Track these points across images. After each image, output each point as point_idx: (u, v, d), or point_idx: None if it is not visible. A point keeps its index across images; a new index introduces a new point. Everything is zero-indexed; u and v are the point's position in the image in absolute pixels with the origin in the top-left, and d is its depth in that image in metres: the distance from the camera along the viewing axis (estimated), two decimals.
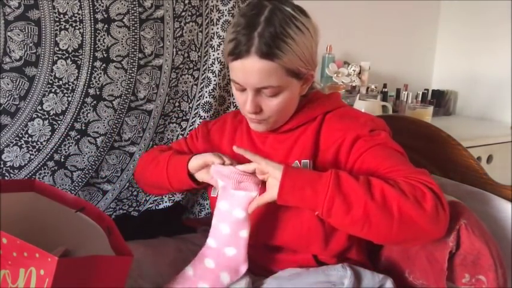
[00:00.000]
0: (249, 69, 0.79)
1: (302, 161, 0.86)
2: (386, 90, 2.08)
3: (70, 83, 1.08)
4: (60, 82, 1.07)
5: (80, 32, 1.06)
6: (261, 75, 0.79)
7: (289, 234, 0.86)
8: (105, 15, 1.07)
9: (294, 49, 0.79)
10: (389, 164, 0.77)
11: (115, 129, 1.16)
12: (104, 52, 1.09)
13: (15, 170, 1.07)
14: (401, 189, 0.70)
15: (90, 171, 1.15)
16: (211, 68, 1.23)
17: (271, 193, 0.76)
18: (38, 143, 1.08)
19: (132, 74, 1.14)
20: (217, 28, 1.21)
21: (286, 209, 0.85)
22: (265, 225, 0.88)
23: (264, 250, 0.91)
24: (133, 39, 1.11)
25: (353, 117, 0.89)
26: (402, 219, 0.68)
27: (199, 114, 1.23)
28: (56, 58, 1.05)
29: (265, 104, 0.84)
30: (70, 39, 1.05)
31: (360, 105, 1.67)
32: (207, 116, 1.22)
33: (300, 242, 0.86)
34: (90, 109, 1.11)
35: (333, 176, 0.72)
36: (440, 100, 2.27)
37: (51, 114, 1.08)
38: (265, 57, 0.77)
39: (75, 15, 1.05)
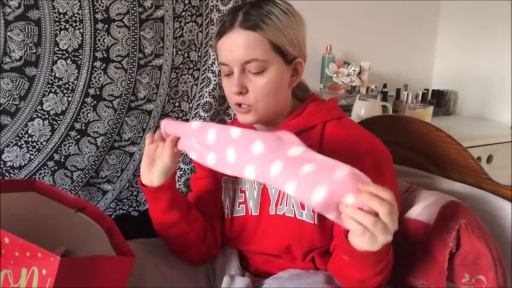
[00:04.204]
0: (234, 43, 0.79)
1: None
2: (386, 90, 2.07)
3: (70, 83, 1.08)
4: (60, 82, 1.07)
5: (80, 32, 1.06)
6: (245, 47, 0.78)
7: (288, 243, 0.86)
8: (105, 15, 1.07)
9: (278, 25, 0.79)
10: None
11: (115, 129, 1.16)
12: (104, 52, 1.09)
13: (15, 170, 1.07)
14: None
15: (90, 171, 1.15)
16: (211, 68, 1.23)
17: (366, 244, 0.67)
18: (38, 143, 1.08)
19: (132, 74, 1.14)
20: None
21: (284, 219, 0.85)
22: (264, 235, 0.88)
23: (265, 257, 0.91)
24: (133, 39, 1.11)
25: (353, 142, 0.85)
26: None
27: (199, 114, 1.23)
28: (56, 58, 1.05)
29: (251, 83, 0.80)
30: (70, 39, 1.05)
31: (360, 105, 1.66)
32: (207, 116, 1.22)
33: (299, 249, 0.86)
34: (90, 109, 1.11)
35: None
36: (440, 100, 2.27)
37: (51, 114, 1.08)
38: (248, 28, 0.78)
39: (75, 15, 1.05)
